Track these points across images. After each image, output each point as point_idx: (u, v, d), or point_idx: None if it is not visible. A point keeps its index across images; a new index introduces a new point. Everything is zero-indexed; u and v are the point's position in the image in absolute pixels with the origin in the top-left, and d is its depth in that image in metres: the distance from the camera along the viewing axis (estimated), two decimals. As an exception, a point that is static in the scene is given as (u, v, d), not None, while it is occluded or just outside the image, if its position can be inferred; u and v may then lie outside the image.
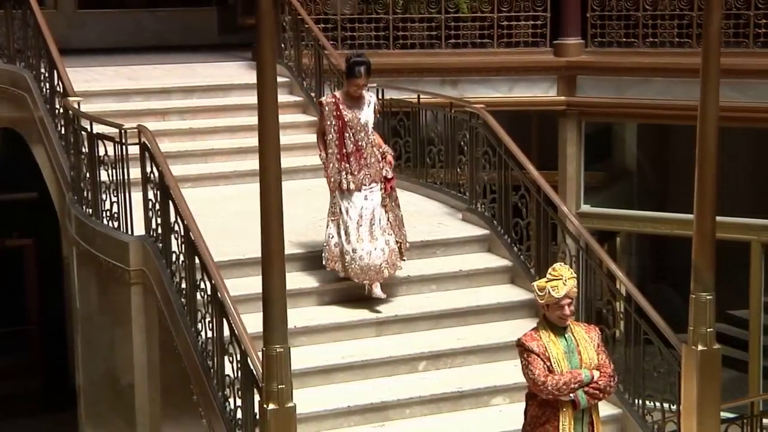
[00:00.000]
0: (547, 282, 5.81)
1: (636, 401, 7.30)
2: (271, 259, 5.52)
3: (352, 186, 7.64)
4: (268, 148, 5.48)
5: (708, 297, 6.33)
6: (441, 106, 9.48)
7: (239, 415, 6.43)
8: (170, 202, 7.47)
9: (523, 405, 6.07)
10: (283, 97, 9.57)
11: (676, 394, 6.79)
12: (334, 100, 7.77)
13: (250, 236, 7.36)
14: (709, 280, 6.35)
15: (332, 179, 7.73)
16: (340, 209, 7.67)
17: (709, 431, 6.40)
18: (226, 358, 6.62)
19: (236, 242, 8.14)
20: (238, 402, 6.43)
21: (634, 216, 11.68)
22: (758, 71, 10.40)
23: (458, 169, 9.32)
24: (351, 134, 7.68)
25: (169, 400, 7.77)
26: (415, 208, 9.19)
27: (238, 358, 6.40)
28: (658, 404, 7.17)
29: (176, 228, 7.44)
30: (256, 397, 5.99)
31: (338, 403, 7.06)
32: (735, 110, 9.72)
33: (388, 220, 7.74)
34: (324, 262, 7.75)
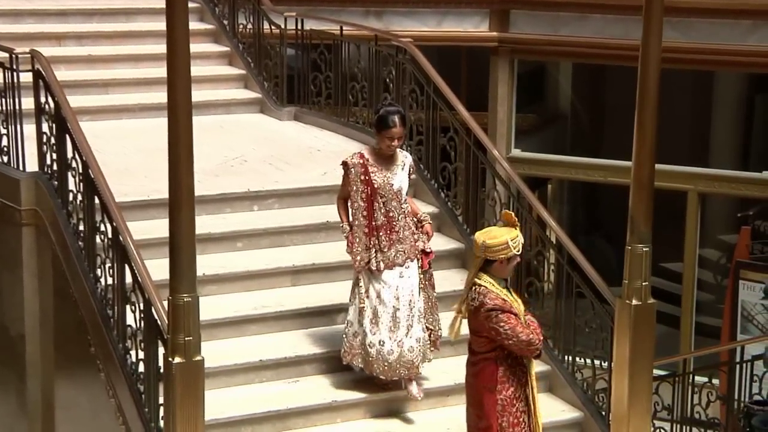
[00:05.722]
0: (509, 236, 5.77)
1: (566, 358, 7.23)
2: (180, 200, 5.24)
3: (382, 266, 6.56)
4: (178, 80, 5.15)
5: (644, 249, 6.18)
6: (365, 39, 9.20)
7: (141, 368, 6.27)
8: (67, 135, 7.23)
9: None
10: (193, 24, 9.15)
11: (607, 350, 6.72)
12: (361, 161, 6.62)
13: (156, 175, 7.21)
14: (646, 231, 6.21)
15: (358, 257, 6.58)
16: (368, 292, 6.57)
17: (641, 389, 6.31)
18: (127, 307, 6.44)
19: (140, 181, 7.92)
20: (141, 355, 6.26)
21: (566, 162, 11.57)
22: (702, 10, 10.29)
23: (383, 108, 9.09)
24: (381, 203, 6.59)
25: (63, 352, 7.59)
26: (335, 149, 8.93)
27: (142, 308, 6.19)
28: (588, 361, 7.10)
29: (74, 164, 7.20)
30: (161, 350, 5.77)
31: (250, 357, 6.89)
32: (676, 51, 9.58)
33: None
34: (341, 353, 6.74)
